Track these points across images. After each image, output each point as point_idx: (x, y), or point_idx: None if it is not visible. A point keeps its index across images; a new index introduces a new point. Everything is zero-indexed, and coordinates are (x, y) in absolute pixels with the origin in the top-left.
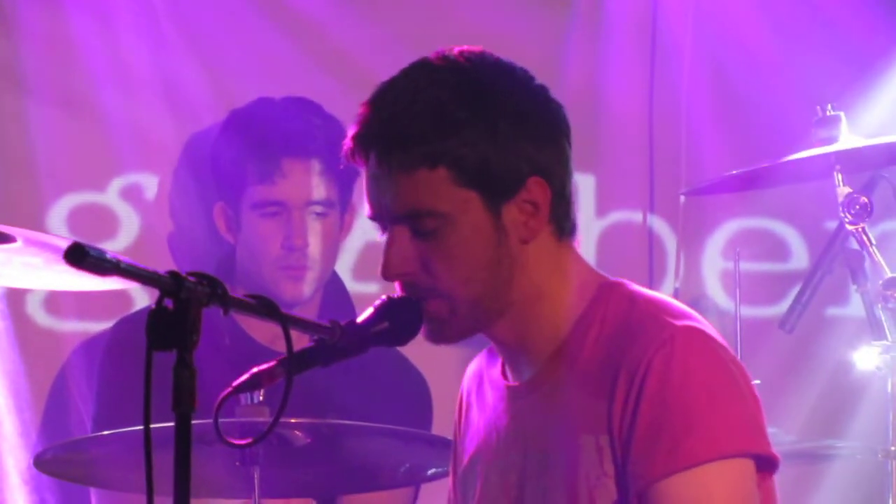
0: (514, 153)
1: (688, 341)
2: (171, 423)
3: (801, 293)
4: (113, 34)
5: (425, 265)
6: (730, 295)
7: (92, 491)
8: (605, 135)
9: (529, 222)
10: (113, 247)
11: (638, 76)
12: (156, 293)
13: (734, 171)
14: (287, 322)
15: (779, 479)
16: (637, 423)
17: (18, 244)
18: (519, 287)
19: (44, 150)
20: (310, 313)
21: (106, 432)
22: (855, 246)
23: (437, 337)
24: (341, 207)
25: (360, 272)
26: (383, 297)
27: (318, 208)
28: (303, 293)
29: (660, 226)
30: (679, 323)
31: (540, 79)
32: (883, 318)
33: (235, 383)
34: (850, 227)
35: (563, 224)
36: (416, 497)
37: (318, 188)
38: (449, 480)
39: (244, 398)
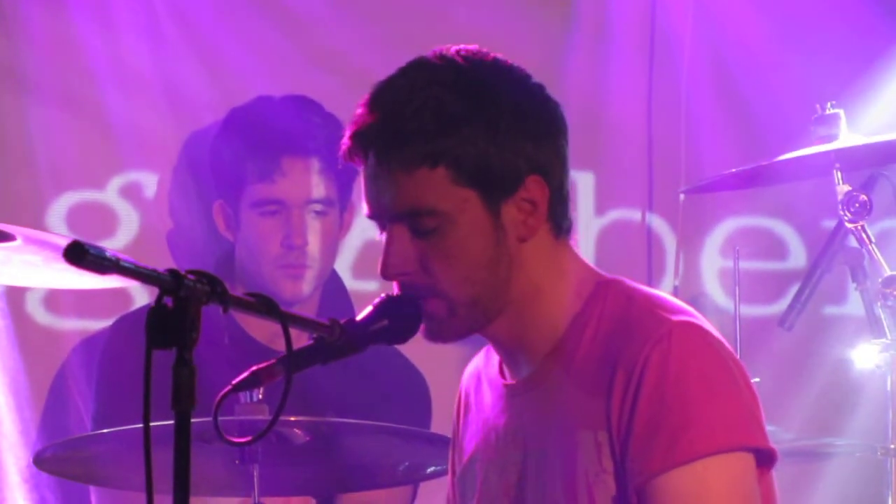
0: (512, 152)
1: (685, 337)
2: (171, 422)
3: (800, 291)
4: (113, 33)
5: (424, 264)
6: (729, 293)
7: (91, 489)
8: (604, 133)
9: (528, 221)
10: (112, 245)
11: (638, 75)
12: (155, 291)
13: (733, 170)
14: (286, 320)
15: (778, 477)
16: (635, 419)
17: (18, 242)
18: (517, 286)
19: (43, 148)
20: (309, 311)
21: (105, 430)
22: (854, 244)
23: (436, 336)
24: (341, 206)
25: (359, 270)
26: (383, 295)
27: (318, 207)
28: (302, 291)
29: (659, 224)
30: (676, 318)
31: (540, 78)
32: (882, 316)
33: (235, 381)
34: (849, 226)
35: (560, 222)
36: (415, 495)
37: (318, 187)
38: (448, 479)
39: (243, 396)
